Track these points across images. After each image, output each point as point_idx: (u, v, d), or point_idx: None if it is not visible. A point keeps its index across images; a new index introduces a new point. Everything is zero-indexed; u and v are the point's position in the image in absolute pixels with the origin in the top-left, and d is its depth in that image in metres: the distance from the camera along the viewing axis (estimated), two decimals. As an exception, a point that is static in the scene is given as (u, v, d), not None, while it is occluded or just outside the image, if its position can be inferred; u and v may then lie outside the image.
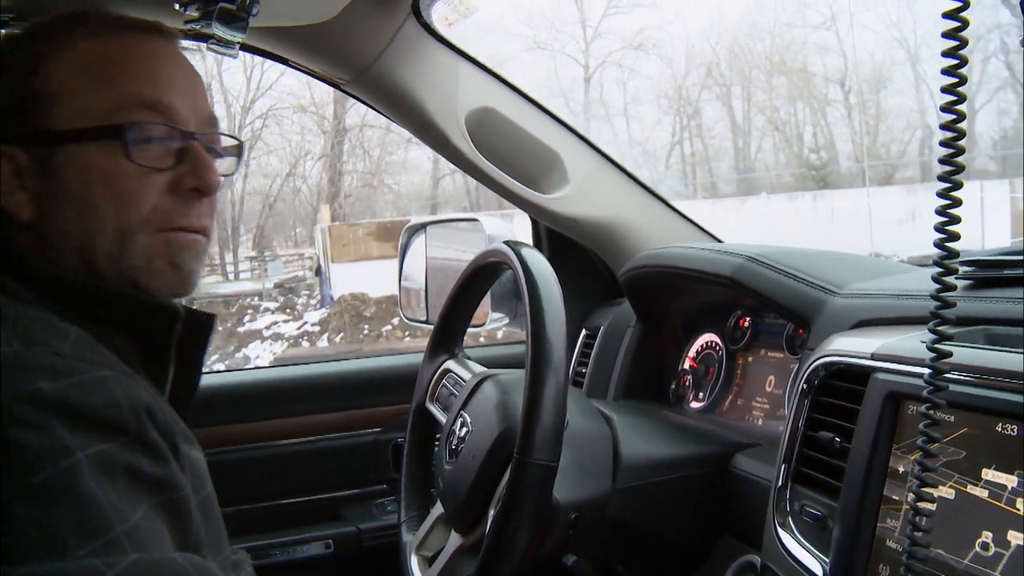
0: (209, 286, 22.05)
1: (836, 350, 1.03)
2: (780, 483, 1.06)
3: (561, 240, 1.88)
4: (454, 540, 1.21)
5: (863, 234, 14.84)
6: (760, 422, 1.44)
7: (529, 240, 2.00)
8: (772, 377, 1.45)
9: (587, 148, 1.77)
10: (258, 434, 1.84)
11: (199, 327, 0.96)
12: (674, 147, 28.22)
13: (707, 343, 1.62)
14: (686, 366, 1.65)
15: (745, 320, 1.54)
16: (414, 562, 1.33)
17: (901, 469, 0.89)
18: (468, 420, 1.22)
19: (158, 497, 0.73)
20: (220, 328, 14.88)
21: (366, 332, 15.06)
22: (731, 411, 1.52)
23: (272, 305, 17.32)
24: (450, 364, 1.43)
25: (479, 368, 1.34)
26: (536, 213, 1.78)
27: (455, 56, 1.62)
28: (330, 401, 1.92)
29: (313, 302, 18.01)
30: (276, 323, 15.35)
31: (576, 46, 27.72)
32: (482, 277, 1.37)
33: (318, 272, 18.80)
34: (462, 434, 1.22)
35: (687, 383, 1.63)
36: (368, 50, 1.52)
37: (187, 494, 0.77)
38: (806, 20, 27.97)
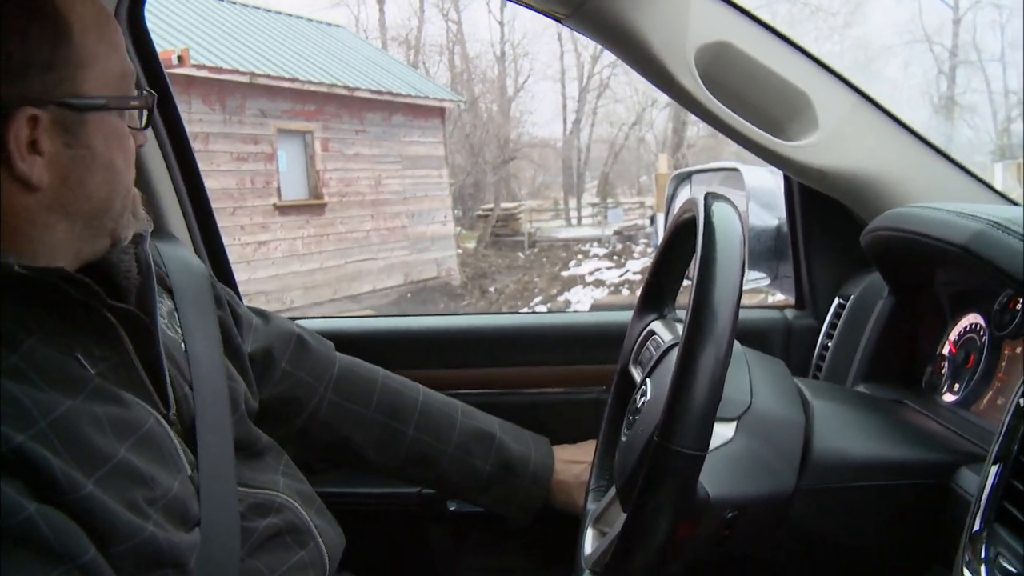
0: (552, 230, 23.05)
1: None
2: (975, 519, 0.82)
3: (817, 192, 1.62)
4: (621, 520, 1.10)
5: None
6: (1019, 429, 1.14)
7: (781, 190, 1.77)
8: (1042, 374, 1.13)
9: (844, 88, 1.49)
10: (473, 381, 1.83)
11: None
12: (1056, 98, 24.28)
13: (971, 325, 1.32)
14: (945, 351, 1.36)
15: (1017, 302, 1.22)
16: (589, 535, 1.24)
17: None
18: (648, 390, 1.09)
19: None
20: (548, 270, 15.42)
21: (688, 281, 14.83)
22: (988, 411, 1.22)
23: (601, 251, 17.64)
24: (655, 325, 1.30)
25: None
26: (777, 162, 1.54)
27: (687, -17, 1.44)
28: (554, 353, 1.84)
29: (650, 250, 18.03)
30: (599, 269, 15.58)
31: (947, -15, 24.71)
32: (688, 230, 1.22)
33: (652, 220, 18.79)
34: (640, 404, 1.09)
35: (943, 370, 1.34)
36: (586, -22, 1.39)
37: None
38: None
